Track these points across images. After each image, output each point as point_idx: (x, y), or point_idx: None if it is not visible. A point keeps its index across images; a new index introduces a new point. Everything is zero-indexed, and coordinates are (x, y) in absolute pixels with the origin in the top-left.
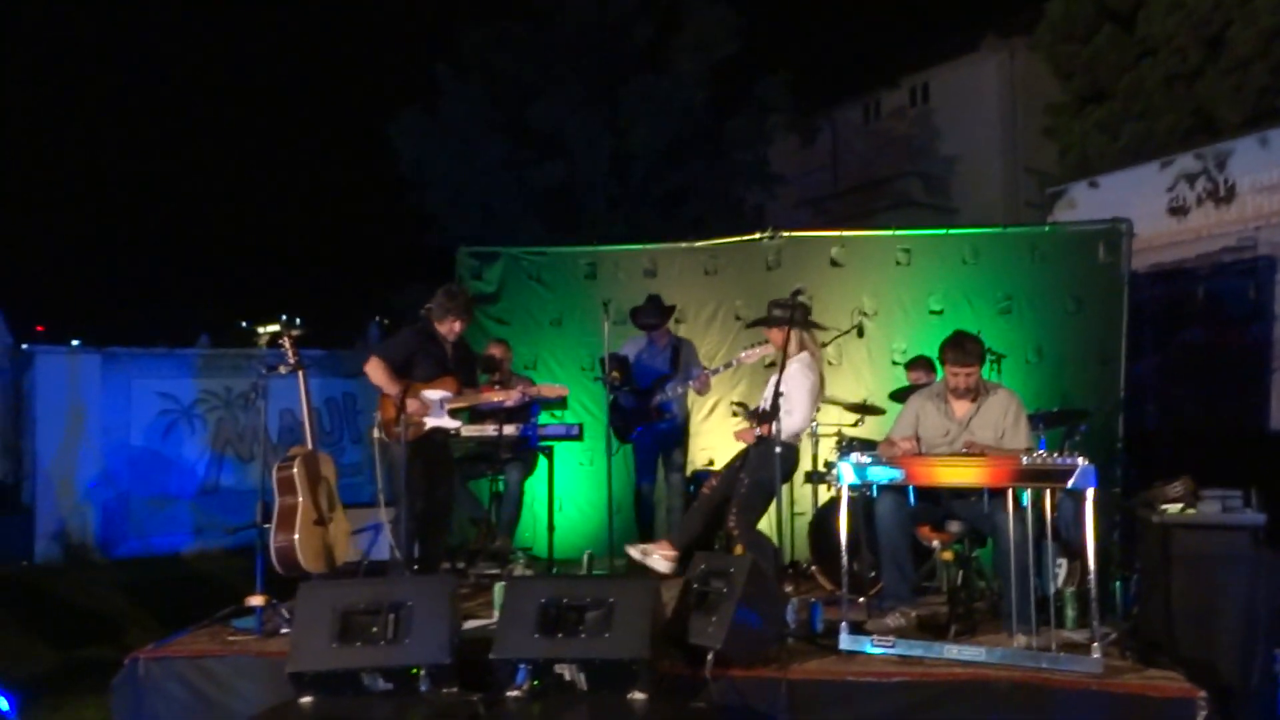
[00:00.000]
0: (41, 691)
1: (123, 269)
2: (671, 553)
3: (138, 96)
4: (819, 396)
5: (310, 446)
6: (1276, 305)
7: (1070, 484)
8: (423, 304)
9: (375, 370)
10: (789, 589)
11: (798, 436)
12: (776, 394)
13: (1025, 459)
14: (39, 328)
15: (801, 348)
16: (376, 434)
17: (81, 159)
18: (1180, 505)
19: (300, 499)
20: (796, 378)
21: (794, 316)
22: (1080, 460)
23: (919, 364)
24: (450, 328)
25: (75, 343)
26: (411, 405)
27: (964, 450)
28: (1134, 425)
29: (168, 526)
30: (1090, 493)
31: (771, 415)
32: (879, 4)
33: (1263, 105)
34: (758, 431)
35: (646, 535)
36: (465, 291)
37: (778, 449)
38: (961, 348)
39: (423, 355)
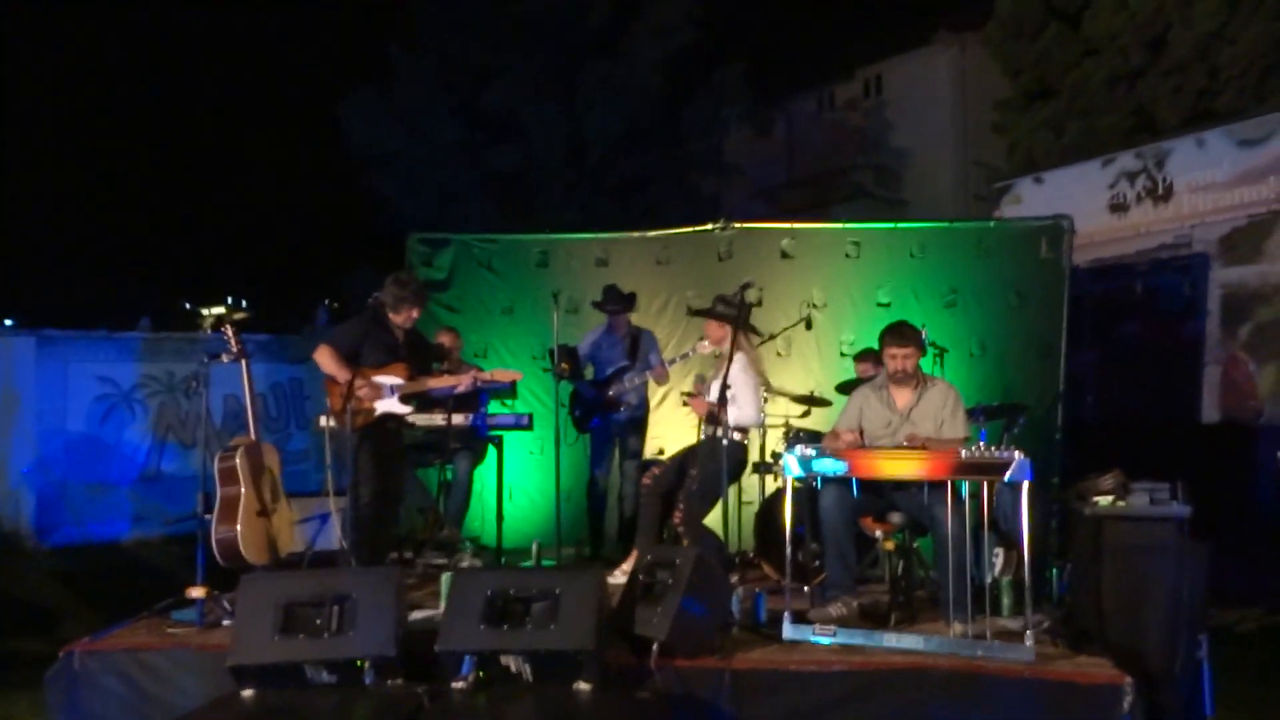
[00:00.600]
0: None
1: (60, 248)
2: None
3: (75, 70)
4: (761, 391)
5: (253, 436)
6: (1209, 302)
7: (1007, 476)
8: (373, 288)
9: (324, 358)
10: (735, 578)
11: (747, 433)
12: (724, 387)
13: (964, 452)
14: None
15: (738, 347)
16: (325, 421)
17: (14, 133)
18: (1111, 497)
19: (242, 489)
20: (740, 375)
21: (738, 315)
22: (1017, 453)
23: (867, 356)
24: (407, 316)
25: (8, 323)
26: (362, 391)
27: (905, 443)
28: (1072, 417)
29: (106, 514)
30: (1026, 485)
31: (720, 408)
32: None
33: (1200, 107)
34: (709, 403)
35: (597, 522)
36: (415, 278)
37: (725, 442)
38: (898, 331)
39: (372, 342)
